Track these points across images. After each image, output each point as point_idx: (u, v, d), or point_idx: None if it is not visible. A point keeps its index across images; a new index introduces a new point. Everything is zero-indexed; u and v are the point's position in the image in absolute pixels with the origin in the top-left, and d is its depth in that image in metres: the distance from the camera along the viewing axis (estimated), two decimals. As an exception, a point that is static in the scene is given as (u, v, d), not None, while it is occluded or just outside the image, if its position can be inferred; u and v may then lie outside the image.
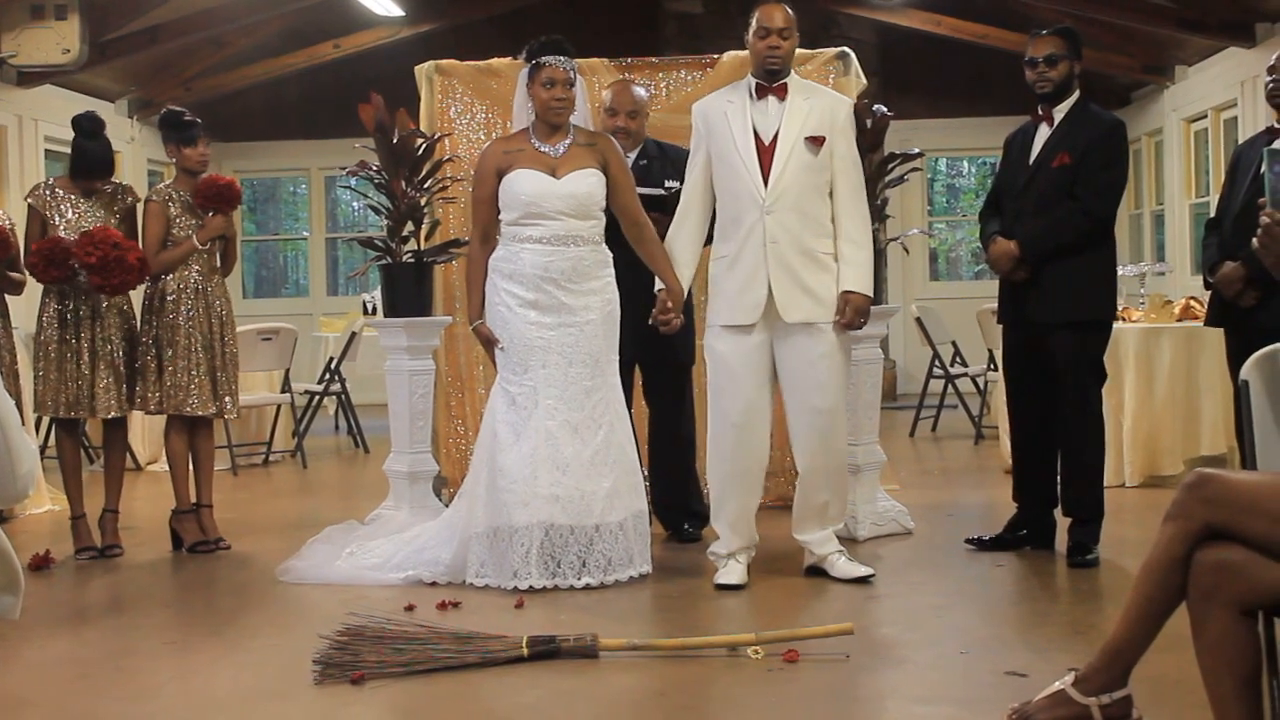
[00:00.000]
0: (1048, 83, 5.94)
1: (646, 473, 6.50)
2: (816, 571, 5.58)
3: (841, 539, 5.85)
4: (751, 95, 5.57)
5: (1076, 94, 6.00)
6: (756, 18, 5.56)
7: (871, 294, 5.54)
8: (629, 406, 6.38)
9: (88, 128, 6.56)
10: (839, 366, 5.52)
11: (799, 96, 5.55)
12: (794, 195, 5.45)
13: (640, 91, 6.57)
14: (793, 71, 5.61)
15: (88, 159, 6.52)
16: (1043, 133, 6.01)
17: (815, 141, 5.48)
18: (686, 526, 6.44)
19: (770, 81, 5.55)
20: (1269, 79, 5.74)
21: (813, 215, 5.49)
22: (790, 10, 5.57)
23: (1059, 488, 6.04)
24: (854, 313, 5.47)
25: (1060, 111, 5.98)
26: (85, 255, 6.25)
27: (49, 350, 6.44)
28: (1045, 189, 5.93)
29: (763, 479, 5.70)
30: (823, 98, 5.63)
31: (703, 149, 5.64)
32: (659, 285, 5.67)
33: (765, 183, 5.44)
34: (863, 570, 5.51)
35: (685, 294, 5.71)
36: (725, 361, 5.55)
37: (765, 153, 5.48)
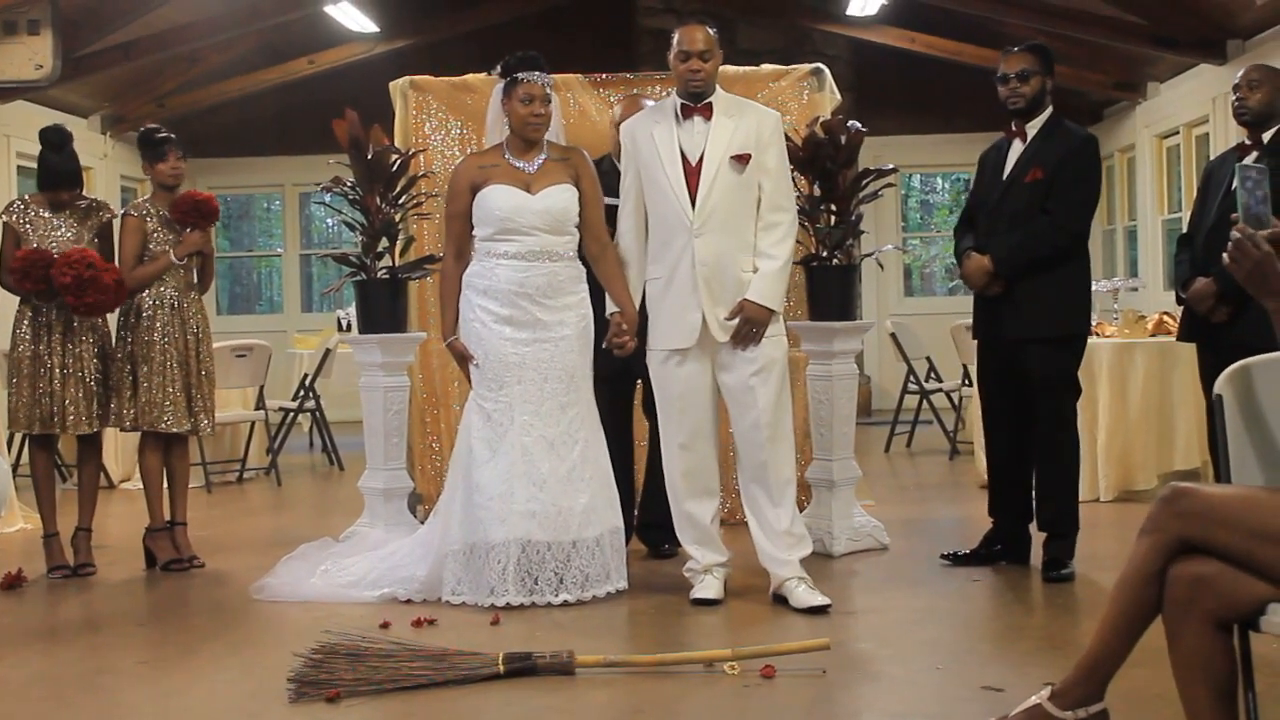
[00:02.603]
0: (1020, 98, 5.97)
1: (640, 486, 6.50)
2: (781, 599, 5.51)
3: (817, 554, 5.85)
4: (677, 116, 5.57)
5: (1049, 110, 6.03)
6: (677, 39, 5.55)
7: (774, 307, 5.47)
8: (629, 421, 6.38)
9: (54, 140, 6.55)
10: (775, 381, 5.50)
11: (724, 115, 5.53)
12: (722, 216, 5.45)
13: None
14: (718, 88, 5.61)
15: (52, 172, 6.51)
16: (1016, 148, 6.03)
17: (741, 160, 5.47)
18: (665, 545, 6.42)
19: (694, 102, 5.55)
20: (1234, 97, 5.80)
21: (742, 235, 5.48)
22: (711, 31, 5.56)
23: (1034, 502, 6.06)
24: (745, 321, 5.43)
25: (1033, 127, 6.00)
26: (60, 275, 6.22)
27: (22, 366, 6.41)
28: (1018, 204, 5.95)
29: (717, 494, 5.68)
30: (748, 114, 5.60)
31: (632, 169, 5.64)
32: (611, 308, 5.67)
33: (693, 205, 5.45)
34: (819, 600, 5.36)
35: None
36: (668, 384, 5.57)
37: (692, 174, 5.48)
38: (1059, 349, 5.91)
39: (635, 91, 7.10)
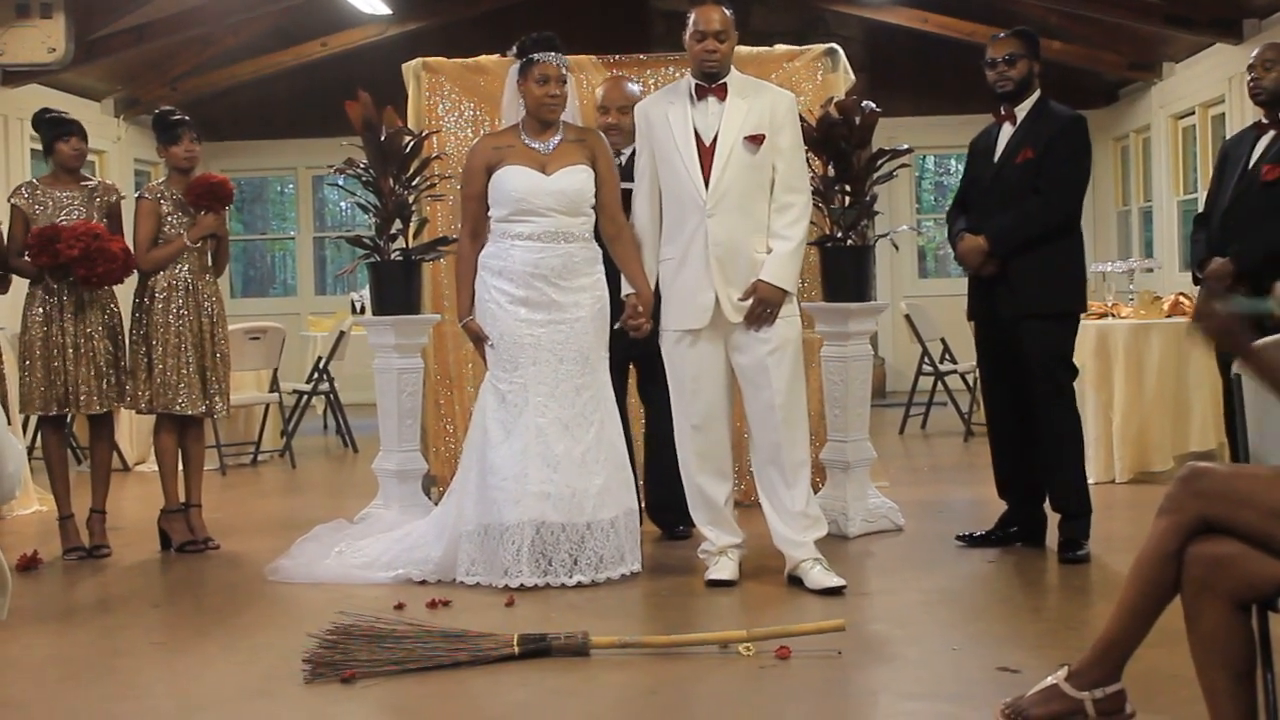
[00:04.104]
0: (1008, 82, 6.00)
1: (640, 472, 6.50)
2: (795, 580, 5.51)
3: (832, 535, 5.84)
4: (692, 97, 5.54)
5: (1037, 93, 6.06)
6: (693, 19, 5.52)
7: (788, 288, 5.46)
8: (623, 405, 6.37)
9: (43, 119, 6.71)
10: (789, 362, 5.49)
11: (738, 96, 5.51)
12: (735, 196, 5.43)
13: (633, 87, 6.55)
14: (733, 69, 5.59)
15: (53, 123, 6.64)
16: (1006, 131, 6.06)
17: (754, 140, 5.44)
18: (679, 526, 6.41)
19: (709, 83, 5.53)
20: (1249, 77, 5.78)
21: (756, 216, 5.47)
22: (728, 11, 5.54)
23: (1044, 483, 6.04)
24: (758, 302, 5.42)
25: (1022, 110, 6.03)
26: (68, 249, 6.24)
27: (34, 348, 6.43)
28: (1010, 185, 5.96)
29: (730, 476, 5.68)
30: (762, 95, 5.58)
31: (647, 150, 5.63)
32: (627, 289, 5.66)
33: (706, 185, 5.43)
34: (834, 581, 5.36)
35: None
36: (682, 365, 5.56)
37: (706, 154, 5.46)
38: (1053, 326, 5.91)
39: (639, 74, 7.09)
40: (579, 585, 5.47)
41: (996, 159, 6.04)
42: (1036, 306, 5.87)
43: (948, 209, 6.46)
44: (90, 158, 11.02)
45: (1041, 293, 5.88)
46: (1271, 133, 5.73)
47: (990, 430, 6.25)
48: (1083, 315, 6.23)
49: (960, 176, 15.99)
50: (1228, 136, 7.70)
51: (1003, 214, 5.93)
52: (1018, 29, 6.17)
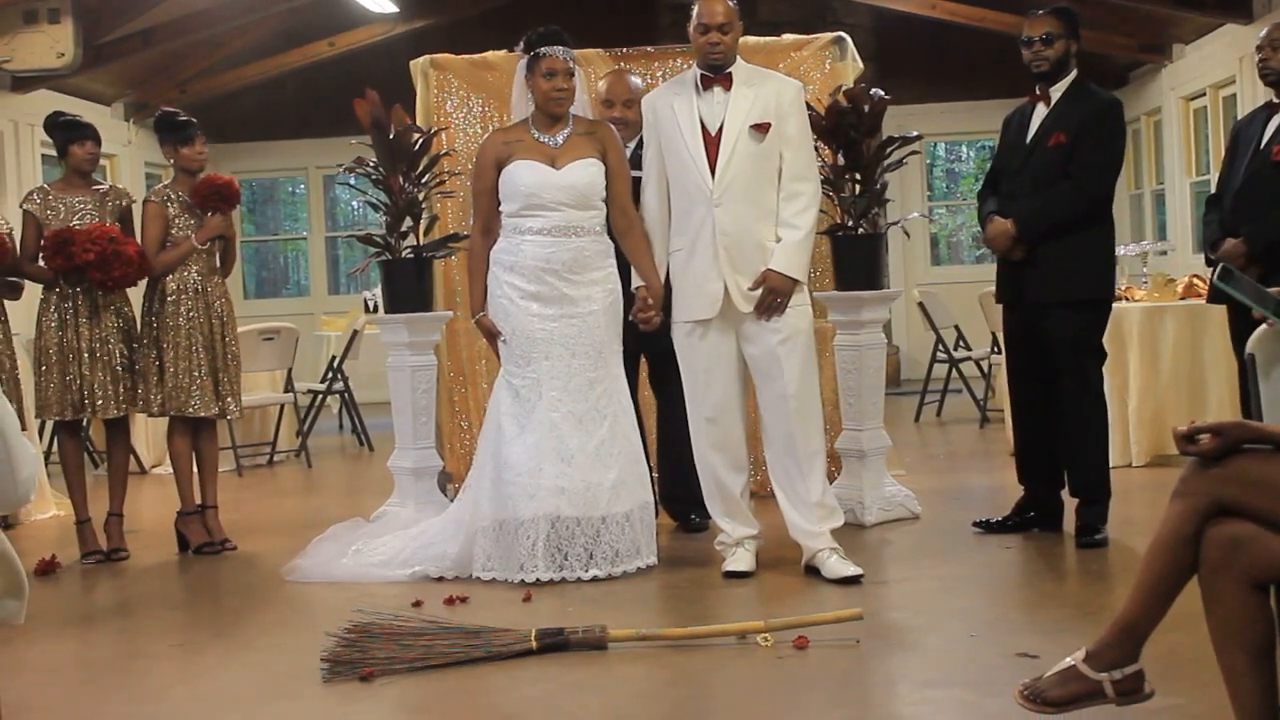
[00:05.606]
0: (1044, 61, 5.93)
1: (654, 464, 6.50)
2: (813, 570, 5.50)
3: (848, 524, 5.83)
4: (697, 87, 5.54)
5: (1074, 73, 5.98)
6: (697, 12, 5.51)
7: (798, 277, 5.44)
8: (635, 397, 6.38)
9: (55, 122, 6.74)
10: (800, 351, 5.47)
11: (744, 85, 5.50)
12: (742, 186, 5.42)
13: (636, 80, 6.55)
14: (739, 59, 5.58)
15: (65, 126, 6.66)
16: (1039, 112, 5.99)
17: (760, 129, 5.43)
18: (694, 516, 6.42)
19: (714, 74, 5.52)
20: (1258, 58, 5.75)
21: (763, 204, 5.45)
22: (731, 3, 5.51)
23: (1065, 468, 6.03)
24: (768, 291, 5.40)
25: (1057, 91, 5.96)
26: (83, 253, 6.25)
27: (49, 353, 6.44)
28: (1041, 168, 5.91)
29: (745, 467, 5.67)
30: (768, 83, 5.57)
31: (654, 142, 5.62)
32: (637, 282, 5.65)
33: (712, 175, 5.42)
34: (852, 570, 5.34)
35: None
36: (693, 356, 5.56)
37: (712, 144, 5.46)
38: (1081, 313, 5.87)
39: (646, 66, 7.09)
40: (595, 579, 5.47)
41: (1029, 140, 5.98)
42: (1065, 293, 5.83)
43: (979, 189, 6.42)
44: (101, 162, 11.04)
45: (1070, 279, 5.84)
46: (1282, 113, 5.71)
47: (1014, 415, 6.23)
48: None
49: (973, 161, 15.99)
50: (1239, 117, 7.67)
51: (1031, 198, 5.89)
52: (1056, 6, 6.06)
